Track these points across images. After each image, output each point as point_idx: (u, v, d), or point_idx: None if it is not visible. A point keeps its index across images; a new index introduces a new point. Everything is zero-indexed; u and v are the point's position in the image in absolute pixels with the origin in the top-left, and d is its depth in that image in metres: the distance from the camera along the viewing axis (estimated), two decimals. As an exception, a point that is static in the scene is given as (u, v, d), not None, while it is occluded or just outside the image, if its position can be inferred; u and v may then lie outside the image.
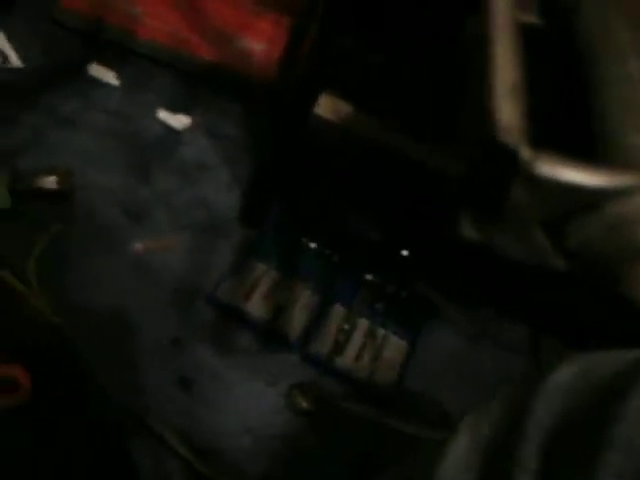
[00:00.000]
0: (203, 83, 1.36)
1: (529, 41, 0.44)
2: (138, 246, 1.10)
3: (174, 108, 1.31)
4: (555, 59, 0.39)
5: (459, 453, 0.55)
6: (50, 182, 1.10)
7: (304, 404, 1.00)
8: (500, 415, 0.56)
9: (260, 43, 1.38)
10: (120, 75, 1.32)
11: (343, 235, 1.19)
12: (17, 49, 1.28)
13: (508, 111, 0.31)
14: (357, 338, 1.09)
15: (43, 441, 0.85)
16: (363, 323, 1.11)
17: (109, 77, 1.32)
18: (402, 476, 0.61)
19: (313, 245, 1.16)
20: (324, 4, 1.18)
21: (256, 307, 1.08)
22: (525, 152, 0.30)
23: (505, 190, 0.31)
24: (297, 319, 1.08)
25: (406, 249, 1.18)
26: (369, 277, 1.16)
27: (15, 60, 1.26)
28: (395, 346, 1.10)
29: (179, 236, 1.14)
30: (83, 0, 1.37)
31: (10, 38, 1.29)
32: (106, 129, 1.25)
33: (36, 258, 1.02)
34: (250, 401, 0.99)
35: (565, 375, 0.54)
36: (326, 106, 1.04)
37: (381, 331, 1.11)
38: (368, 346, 1.09)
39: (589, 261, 0.32)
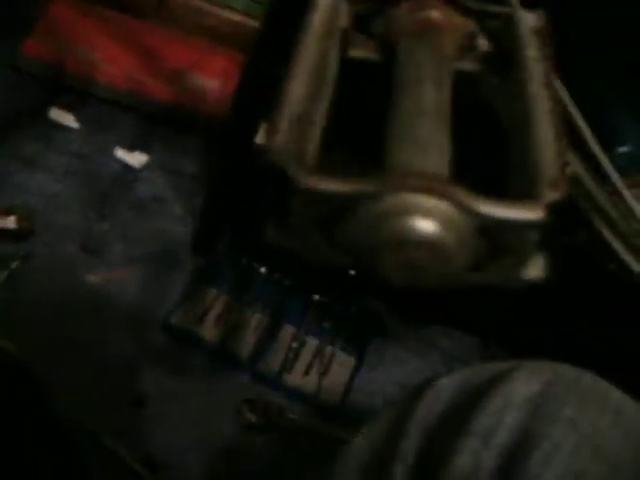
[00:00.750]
0: (160, 122, 1.43)
1: (367, 74, 0.51)
2: (94, 277, 1.16)
3: (132, 147, 1.38)
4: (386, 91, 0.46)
5: (354, 455, 0.63)
6: (10, 222, 1.16)
7: (253, 419, 1.06)
8: (390, 418, 0.63)
9: (213, 80, 1.45)
10: (80, 118, 1.39)
11: (291, 258, 1.25)
12: (-20, 96, 1.35)
13: (281, 137, 0.38)
14: (305, 355, 1.15)
15: (4, 459, 0.90)
16: (312, 341, 1.17)
17: (69, 120, 1.38)
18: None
19: (263, 269, 1.23)
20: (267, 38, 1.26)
21: (208, 330, 1.14)
22: (292, 169, 0.37)
23: (285, 200, 0.38)
24: (247, 340, 1.14)
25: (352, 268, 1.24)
26: (317, 297, 1.22)
27: (-22, 108, 1.33)
28: (342, 362, 1.16)
29: (135, 267, 1.20)
30: (44, 47, 1.44)
31: (-27, 87, 1.37)
32: (66, 169, 1.31)
33: (-4, 292, 1.07)
34: (202, 418, 1.05)
35: (446, 383, 0.62)
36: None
37: (329, 348, 1.17)
38: (316, 363, 1.15)
39: (356, 254, 0.38)
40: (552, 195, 0.37)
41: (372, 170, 0.38)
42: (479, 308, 1.20)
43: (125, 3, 1.51)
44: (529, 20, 0.50)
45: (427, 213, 0.36)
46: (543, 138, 0.41)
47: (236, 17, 1.51)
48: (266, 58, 1.27)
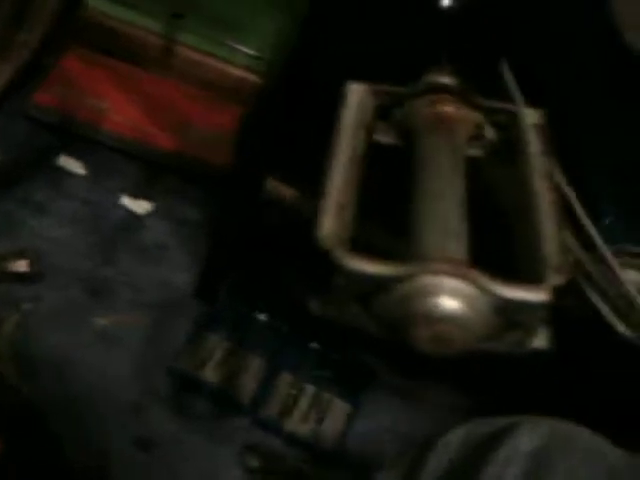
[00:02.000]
0: (164, 170, 1.48)
1: (388, 159, 0.57)
2: (102, 321, 1.20)
3: (136, 194, 1.43)
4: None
5: None
6: (21, 265, 1.21)
7: (255, 463, 1.10)
8: (402, 468, 0.69)
9: (217, 131, 1.51)
10: (87, 165, 1.44)
11: (291, 307, 1.30)
12: (-9, 143, 1.40)
13: (327, 225, 0.44)
14: (303, 402, 1.20)
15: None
16: (309, 388, 1.22)
17: (77, 167, 1.44)
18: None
19: (262, 317, 1.27)
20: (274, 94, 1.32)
21: (210, 375, 1.18)
22: (337, 253, 0.42)
23: (331, 279, 0.43)
24: (248, 386, 1.19)
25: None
26: (314, 345, 1.27)
27: (-11, 154, 1.38)
28: (339, 409, 1.21)
29: (140, 311, 1.24)
30: (55, 96, 1.49)
31: (-16, 133, 1.42)
32: (73, 215, 1.36)
33: (6, 334, 1.12)
34: (205, 461, 1.09)
35: (453, 436, 0.68)
36: (271, 190, 1.17)
37: (326, 395, 1.22)
38: (314, 409, 1.19)
39: (390, 325, 0.44)
40: (557, 279, 0.43)
41: (400, 249, 0.44)
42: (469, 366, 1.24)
43: (132, 55, 1.57)
44: (531, 117, 0.57)
45: (452, 293, 0.42)
46: (546, 229, 0.47)
47: (237, 71, 1.57)
48: (267, 110, 1.34)
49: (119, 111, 1.51)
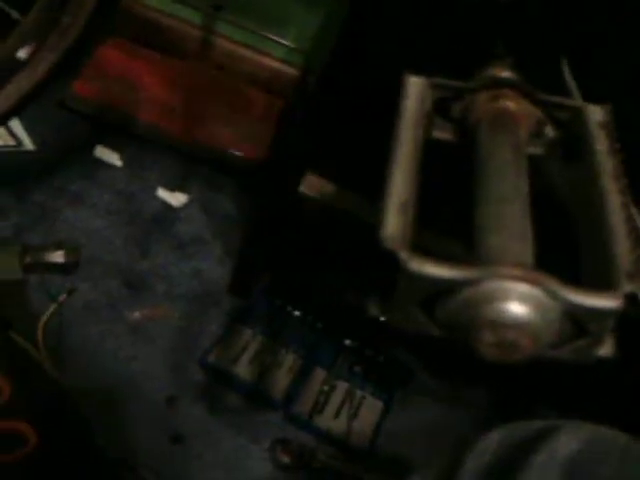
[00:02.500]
0: (200, 163, 1.48)
1: (445, 155, 0.56)
2: (137, 314, 1.20)
3: (172, 187, 1.43)
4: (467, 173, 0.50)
5: None
6: (58, 256, 1.21)
7: (286, 459, 1.09)
8: (440, 468, 0.68)
9: (253, 123, 1.50)
10: (123, 156, 1.44)
11: (325, 303, 1.29)
12: (30, 133, 1.40)
13: (392, 224, 0.43)
14: (336, 399, 1.19)
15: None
16: (342, 385, 1.21)
17: (113, 158, 1.44)
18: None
19: (297, 313, 1.27)
20: (313, 88, 1.31)
21: (243, 370, 1.18)
22: (403, 255, 0.41)
23: (394, 281, 0.42)
24: (281, 381, 1.18)
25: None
26: (348, 342, 1.26)
27: (28, 144, 1.39)
28: (371, 407, 1.20)
29: (174, 305, 1.24)
30: (92, 87, 1.49)
31: (24, 123, 1.42)
32: (110, 207, 1.36)
33: (44, 324, 1.12)
34: (237, 455, 1.09)
35: (491, 438, 0.66)
36: (310, 185, 1.16)
37: (359, 392, 1.21)
38: (346, 406, 1.19)
39: (453, 329, 0.43)
40: (630, 286, 0.42)
41: (458, 252, 0.43)
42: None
43: (171, 46, 1.56)
44: (597, 114, 0.55)
45: (521, 298, 0.41)
46: (617, 231, 0.45)
47: (274, 64, 1.56)
48: (308, 104, 1.33)
49: (156, 103, 1.51)
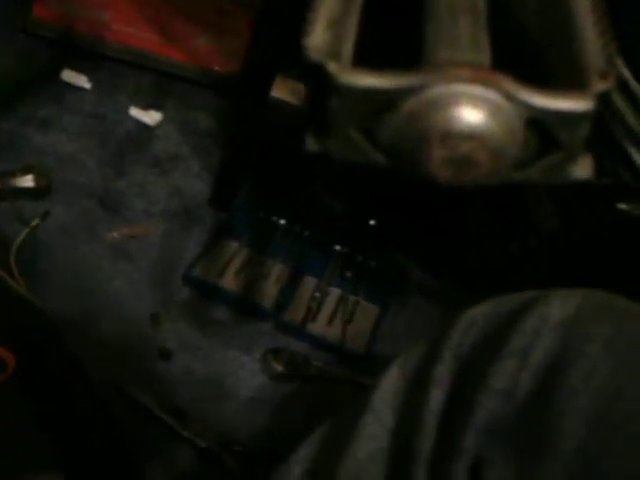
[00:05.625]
0: (173, 80, 1.42)
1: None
2: (115, 234, 1.16)
3: (146, 106, 1.37)
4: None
5: (389, 382, 0.63)
6: (27, 180, 1.16)
7: (279, 368, 1.05)
8: (424, 348, 0.63)
9: (226, 37, 1.44)
10: (92, 78, 1.38)
11: (311, 210, 1.24)
12: (-9, 60, 1.34)
13: (319, 36, 0.37)
14: (329, 305, 1.15)
15: (31, 412, 0.91)
16: (334, 291, 1.17)
17: (81, 81, 1.37)
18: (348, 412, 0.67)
19: (282, 222, 1.22)
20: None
21: (230, 282, 1.13)
22: (331, 66, 0.35)
23: (324, 101, 0.36)
24: (270, 291, 1.14)
25: (373, 218, 1.23)
26: (338, 248, 1.21)
27: (-10, 70, 1.33)
28: (366, 311, 1.16)
29: (154, 223, 1.20)
30: (54, 10, 1.42)
31: (-16, 50, 1.36)
32: (81, 130, 1.30)
33: (17, 249, 1.07)
34: (227, 368, 1.05)
35: (478, 310, 0.61)
36: (280, 88, 1.10)
37: (352, 297, 1.16)
38: (340, 312, 1.14)
39: (400, 153, 0.37)
40: (602, 85, 0.36)
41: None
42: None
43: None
44: None
45: (474, 103, 0.35)
46: (586, 30, 0.40)
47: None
48: (278, 13, 1.26)
49: (123, 22, 1.44)
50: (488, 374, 0.57)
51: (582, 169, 0.40)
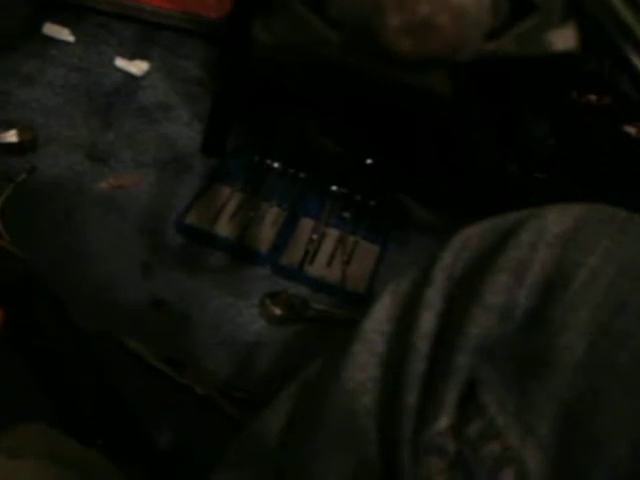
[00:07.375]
0: (158, 29, 1.38)
1: None
2: (103, 185, 1.12)
3: (131, 56, 1.34)
4: None
5: (381, 309, 0.59)
6: (11, 135, 1.13)
7: (277, 311, 1.02)
8: (415, 273, 0.59)
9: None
10: (75, 31, 1.35)
11: (306, 151, 1.20)
12: (-30, 15, 1.31)
13: None
14: (327, 246, 1.11)
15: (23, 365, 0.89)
16: (332, 232, 1.13)
17: (64, 34, 1.34)
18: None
19: (277, 165, 1.18)
20: None
21: (224, 227, 1.10)
22: None
23: None
24: (265, 234, 1.10)
25: (370, 157, 1.19)
26: (335, 188, 1.17)
27: (-31, 26, 1.29)
28: (366, 250, 1.12)
29: (144, 172, 1.16)
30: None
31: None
32: (66, 83, 1.27)
33: (3, 205, 1.04)
34: (223, 315, 1.02)
35: (473, 230, 0.58)
36: (263, 28, 1.05)
37: (351, 238, 1.13)
38: (339, 253, 1.11)
39: (352, 25, 0.34)
40: None
41: None
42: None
43: None
44: None
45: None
46: None
47: None
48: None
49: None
50: (482, 289, 0.54)
51: (564, 39, 0.36)
